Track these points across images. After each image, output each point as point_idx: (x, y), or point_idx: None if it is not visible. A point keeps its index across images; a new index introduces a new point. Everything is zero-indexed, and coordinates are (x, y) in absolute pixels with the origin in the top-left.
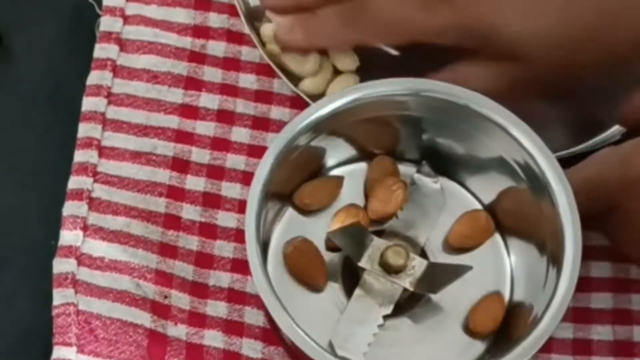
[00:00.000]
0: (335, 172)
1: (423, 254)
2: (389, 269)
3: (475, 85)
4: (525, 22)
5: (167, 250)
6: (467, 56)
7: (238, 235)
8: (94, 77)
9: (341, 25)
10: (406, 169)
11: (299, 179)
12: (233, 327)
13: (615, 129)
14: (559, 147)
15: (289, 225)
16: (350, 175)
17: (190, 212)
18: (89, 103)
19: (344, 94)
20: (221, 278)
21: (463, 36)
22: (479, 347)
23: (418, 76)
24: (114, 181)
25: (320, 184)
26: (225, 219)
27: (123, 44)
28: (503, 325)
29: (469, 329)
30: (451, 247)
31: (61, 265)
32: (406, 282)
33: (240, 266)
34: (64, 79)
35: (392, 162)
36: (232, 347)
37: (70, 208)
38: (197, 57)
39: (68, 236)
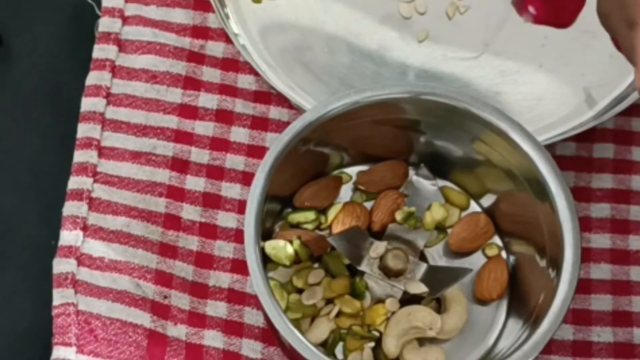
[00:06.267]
0: (334, 173)
1: (422, 257)
2: (389, 272)
3: None
4: None
5: (167, 250)
6: None
7: (238, 236)
8: (93, 78)
9: None
10: None
11: (298, 181)
12: (233, 328)
13: None
14: None
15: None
16: (350, 176)
17: (190, 212)
18: (88, 103)
19: (344, 97)
20: (221, 278)
21: None
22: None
23: None
24: (114, 181)
25: (320, 185)
26: (225, 219)
27: (122, 45)
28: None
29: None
30: (451, 250)
31: (61, 265)
32: (406, 285)
33: (240, 266)
34: (64, 79)
35: (405, 167)
36: (232, 348)
37: (70, 208)
38: (196, 57)
39: (68, 236)
